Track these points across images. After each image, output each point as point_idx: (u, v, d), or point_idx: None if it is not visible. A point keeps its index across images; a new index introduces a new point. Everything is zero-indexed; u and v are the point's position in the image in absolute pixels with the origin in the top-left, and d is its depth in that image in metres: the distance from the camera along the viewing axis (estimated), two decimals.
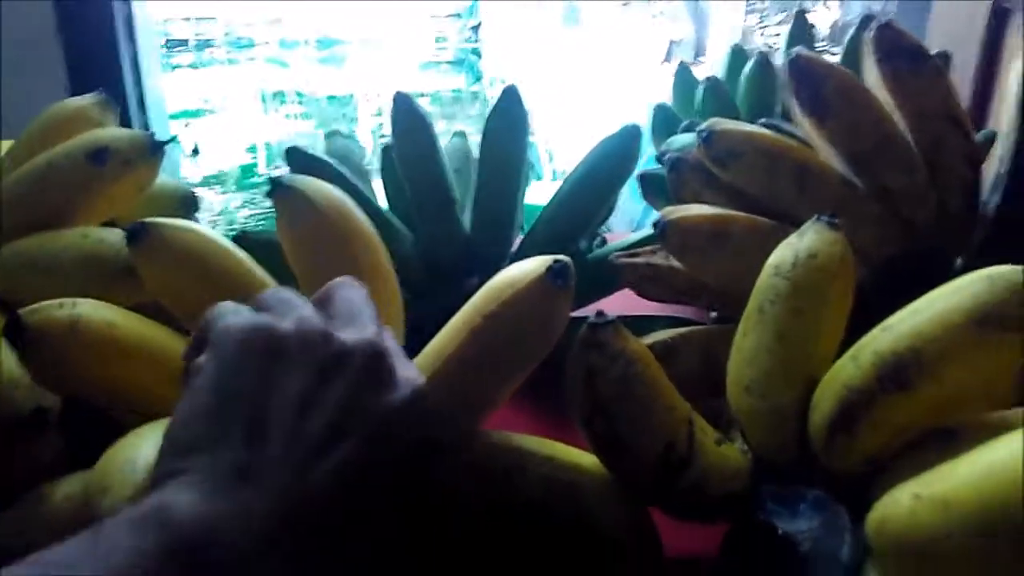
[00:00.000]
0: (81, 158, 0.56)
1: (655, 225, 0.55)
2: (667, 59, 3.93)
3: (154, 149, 0.57)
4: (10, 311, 0.45)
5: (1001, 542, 0.32)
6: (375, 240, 0.49)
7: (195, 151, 0.72)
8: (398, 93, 0.66)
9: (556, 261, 0.43)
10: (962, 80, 0.93)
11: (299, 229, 0.47)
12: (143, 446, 0.40)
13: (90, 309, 0.45)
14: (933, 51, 0.84)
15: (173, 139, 0.60)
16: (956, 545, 0.33)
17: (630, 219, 1.40)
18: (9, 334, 0.44)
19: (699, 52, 3.93)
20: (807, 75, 0.53)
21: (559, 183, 0.69)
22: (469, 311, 0.44)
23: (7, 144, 0.66)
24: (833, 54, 0.86)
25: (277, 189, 0.47)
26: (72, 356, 0.45)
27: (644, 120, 0.92)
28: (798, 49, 0.54)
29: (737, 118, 0.82)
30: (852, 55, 0.63)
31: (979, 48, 0.94)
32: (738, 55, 0.89)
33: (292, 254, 0.48)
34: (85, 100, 0.63)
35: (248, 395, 0.30)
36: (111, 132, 0.58)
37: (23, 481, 0.48)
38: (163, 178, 0.62)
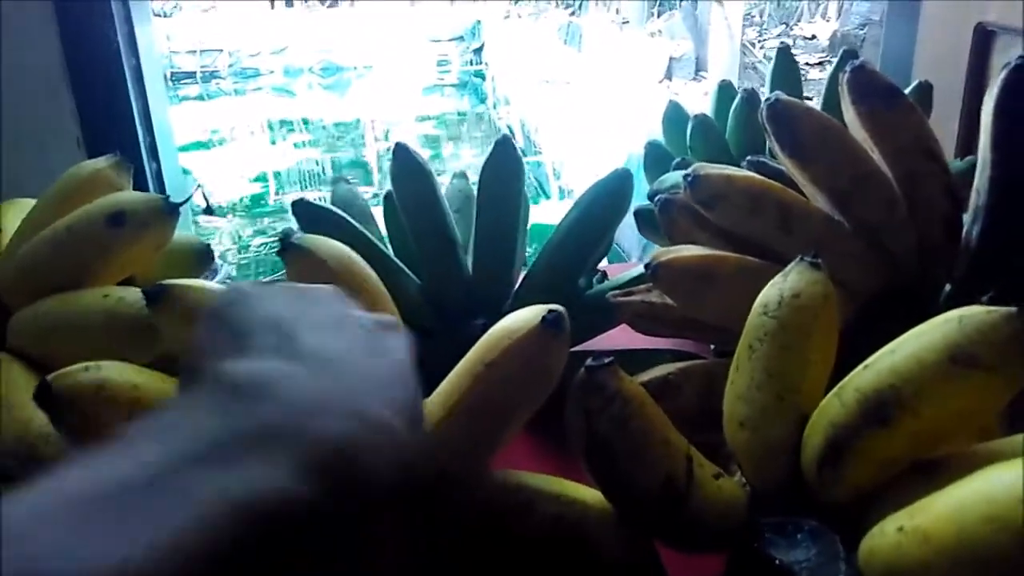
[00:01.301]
0: (100, 221, 0.59)
1: (647, 266, 0.57)
2: (667, 76, 3.96)
3: (169, 211, 0.59)
4: (40, 376, 0.48)
5: (973, 574, 0.34)
6: (381, 292, 0.51)
7: (208, 209, 0.73)
8: (398, 144, 0.68)
9: (550, 311, 0.45)
10: (951, 102, 0.95)
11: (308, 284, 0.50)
12: None
13: (115, 372, 0.48)
14: (920, 76, 0.86)
15: (188, 199, 0.62)
16: (935, 575, 0.35)
17: (641, 241, 1.41)
18: (39, 398, 0.46)
19: (699, 68, 3.96)
20: (784, 119, 0.56)
21: (566, 202, 0.71)
22: (472, 360, 0.47)
23: (29, 203, 0.68)
24: (831, 62, 0.88)
25: (287, 248, 0.50)
26: (99, 418, 0.47)
27: (642, 138, 0.95)
28: (775, 94, 0.56)
29: (727, 153, 0.84)
30: (834, 92, 0.65)
31: (966, 73, 0.95)
32: (725, 91, 0.91)
33: None
34: (101, 163, 0.66)
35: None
36: (128, 196, 0.61)
37: None
38: (179, 233, 0.65)
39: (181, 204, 0.60)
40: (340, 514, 0.26)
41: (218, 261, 0.94)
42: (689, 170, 0.56)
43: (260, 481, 0.25)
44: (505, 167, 0.68)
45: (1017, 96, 0.55)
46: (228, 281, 0.69)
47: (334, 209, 0.70)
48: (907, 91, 0.81)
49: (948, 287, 0.59)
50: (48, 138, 1.03)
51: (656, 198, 0.62)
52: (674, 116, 0.91)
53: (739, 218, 0.56)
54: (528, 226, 0.74)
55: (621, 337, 0.71)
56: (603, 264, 0.80)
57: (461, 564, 0.47)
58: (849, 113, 0.58)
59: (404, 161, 0.69)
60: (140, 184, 1.01)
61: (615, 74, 3.98)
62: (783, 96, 0.56)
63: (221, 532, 0.23)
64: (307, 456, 0.26)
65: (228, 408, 0.27)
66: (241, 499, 0.24)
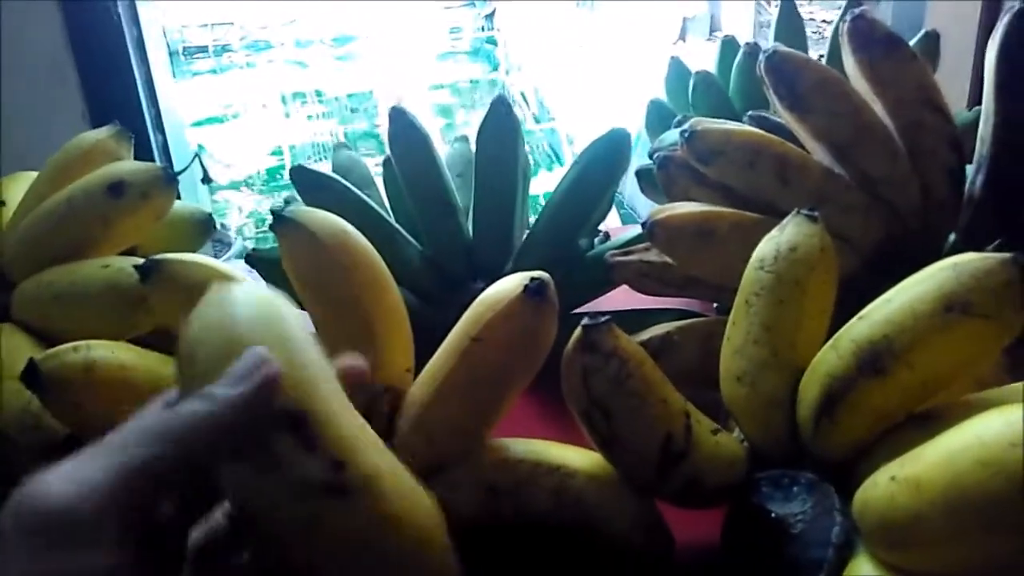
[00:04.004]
0: (100, 192, 0.59)
1: (643, 225, 0.56)
2: (681, 37, 3.90)
3: (169, 180, 0.60)
4: (44, 347, 0.48)
5: (967, 520, 0.33)
6: (377, 265, 0.50)
7: (205, 178, 0.73)
8: (394, 108, 0.68)
9: (533, 279, 0.45)
10: (963, 58, 0.93)
11: (301, 260, 0.49)
12: None
13: (105, 352, 0.47)
14: (931, 27, 0.85)
15: (187, 168, 0.62)
16: (929, 524, 0.35)
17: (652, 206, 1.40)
18: (27, 379, 0.46)
19: (714, 28, 3.89)
20: (783, 71, 0.55)
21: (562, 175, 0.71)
22: (457, 334, 0.46)
23: (33, 176, 0.69)
24: None
25: (278, 222, 0.49)
26: (87, 399, 0.47)
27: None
28: (774, 46, 0.55)
29: (730, 110, 0.83)
30: (838, 44, 0.64)
31: (978, 22, 0.93)
32: (729, 46, 0.89)
33: (296, 282, 0.50)
34: (102, 133, 0.66)
35: None
36: (128, 166, 0.61)
37: None
38: (180, 204, 0.65)
39: (180, 173, 0.60)
40: None
41: (234, 235, 0.94)
42: (686, 125, 0.56)
43: None
44: (502, 128, 0.67)
45: (1021, 42, 0.53)
46: (245, 251, 0.69)
47: (333, 176, 0.70)
48: (914, 41, 0.79)
49: (952, 238, 0.58)
50: (54, 111, 1.04)
51: (655, 155, 0.61)
52: (676, 74, 0.90)
53: (737, 173, 0.55)
54: (529, 187, 0.73)
55: (622, 298, 0.70)
56: (617, 225, 0.80)
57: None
58: (849, 63, 0.57)
59: (401, 126, 0.68)
60: (147, 157, 1.02)
61: (628, 36, 3.93)
62: (781, 47, 0.55)
63: None
64: None
65: None
66: None
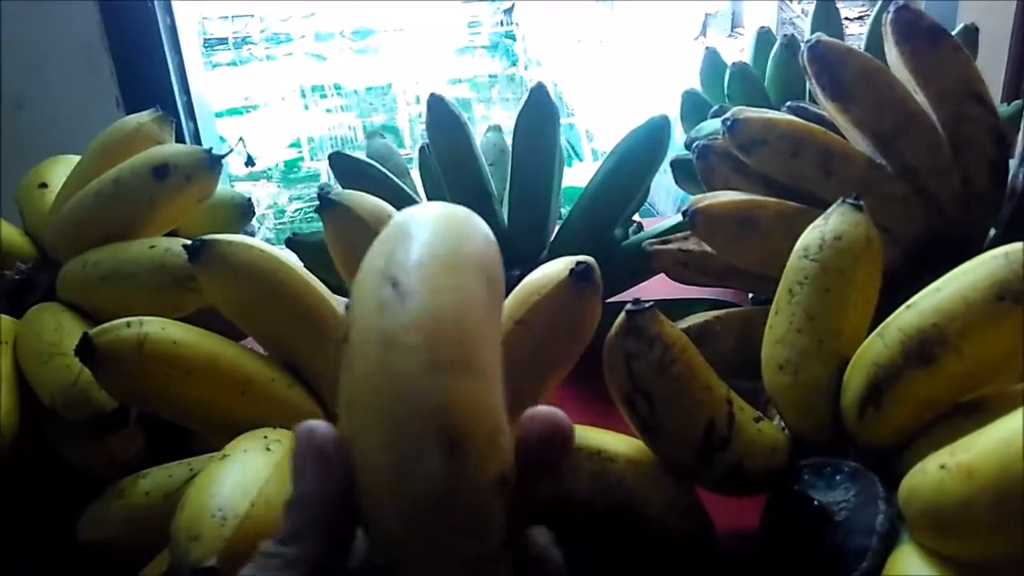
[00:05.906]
0: (145, 174, 0.59)
1: (684, 213, 0.56)
2: (702, 33, 3.88)
3: (212, 163, 0.60)
4: (90, 325, 0.48)
5: (1019, 507, 0.33)
6: None
7: (249, 160, 0.74)
8: (432, 95, 0.68)
9: (579, 263, 0.45)
10: (998, 50, 0.93)
11: (347, 243, 0.49)
12: (227, 485, 0.40)
13: (156, 328, 0.48)
14: (966, 21, 0.84)
15: (230, 152, 0.62)
16: (979, 510, 0.34)
17: (675, 199, 1.40)
18: (81, 353, 0.47)
19: (735, 24, 3.87)
20: (826, 61, 0.54)
21: (598, 164, 0.71)
22: (502, 317, 0.46)
23: (73, 159, 0.70)
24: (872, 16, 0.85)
25: (324, 204, 0.49)
26: (140, 374, 0.47)
27: (677, 97, 0.93)
28: (816, 36, 0.55)
29: (766, 101, 0.83)
30: (876, 35, 0.63)
31: (1014, 16, 0.93)
32: (765, 38, 0.89)
33: (341, 264, 0.50)
34: (144, 117, 0.67)
35: None
36: (172, 148, 0.61)
37: (108, 476, 0.52)
38: (221, 187, 0.65)
39: (224, 156, 0.60)
40: None
41: (255, 224, 0.95)
42: (728, 114, 0.56)
43: None
44: (541, 113, 0.67)
45: None
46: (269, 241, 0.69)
47: (371, 162, 0.70)
48: (953, 34, 0.79)
49: (993, 232, 0.58)
50: (88, 98, 1.05)
51: (694, 145, 0.61)
52: (712, 65, 0.90)
53: (779, 162, 0.55)
54: (562, 179, 0.73)
55: (658, 288, 0.71)
56: (636, 218, 0.80)
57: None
58: (892, 54, 0.57)
59: (439, 113, 0.68)
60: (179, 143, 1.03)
61: (649, 31, 3.92)
62: (824, 37, 0.55)
63: None
64: None
65: None
66: None
